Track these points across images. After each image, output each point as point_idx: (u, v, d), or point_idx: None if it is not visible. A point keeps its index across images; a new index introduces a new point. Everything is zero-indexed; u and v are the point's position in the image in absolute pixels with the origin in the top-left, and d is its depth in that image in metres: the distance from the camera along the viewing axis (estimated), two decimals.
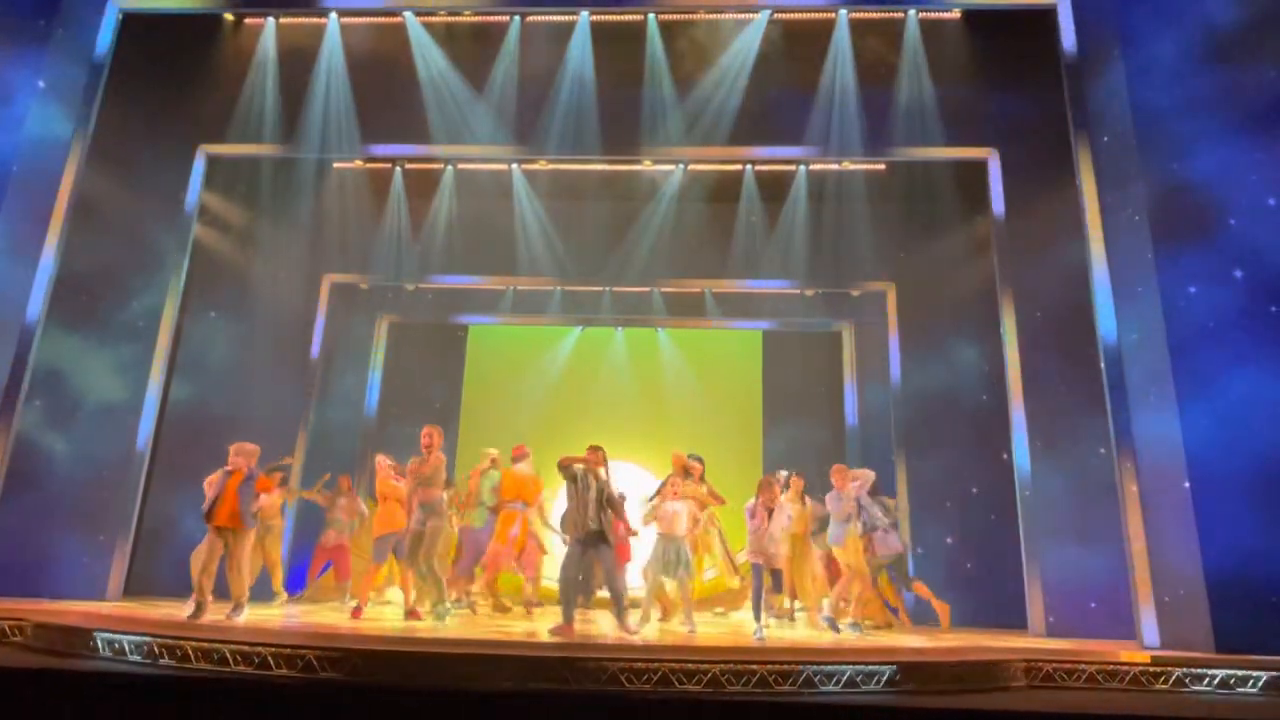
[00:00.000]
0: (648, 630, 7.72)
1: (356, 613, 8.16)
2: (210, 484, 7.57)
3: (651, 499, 8.99)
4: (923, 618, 9.46)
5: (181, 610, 7.64)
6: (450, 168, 12.25)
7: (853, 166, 11.76)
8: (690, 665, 5.29)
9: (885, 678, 5.45)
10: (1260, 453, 6.89)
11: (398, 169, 12.30)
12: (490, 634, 7.06)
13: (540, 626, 7.76)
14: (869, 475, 8.67)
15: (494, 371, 14.93)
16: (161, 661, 5.45)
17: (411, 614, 8.08)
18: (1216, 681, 5.87)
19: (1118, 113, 8.07)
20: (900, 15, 9.94)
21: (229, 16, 10.38)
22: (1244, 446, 6.93)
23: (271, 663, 5.28)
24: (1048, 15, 8.93)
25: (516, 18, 10.22)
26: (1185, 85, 7.77)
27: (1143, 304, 7.61)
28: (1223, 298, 7.27)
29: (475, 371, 15.07)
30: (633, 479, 11.16)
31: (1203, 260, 7.38)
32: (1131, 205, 7.84)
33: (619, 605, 7.32)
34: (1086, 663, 6.10)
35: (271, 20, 10.34)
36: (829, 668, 5.41)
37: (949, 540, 10.54)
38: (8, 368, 8.20)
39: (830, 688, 5.33)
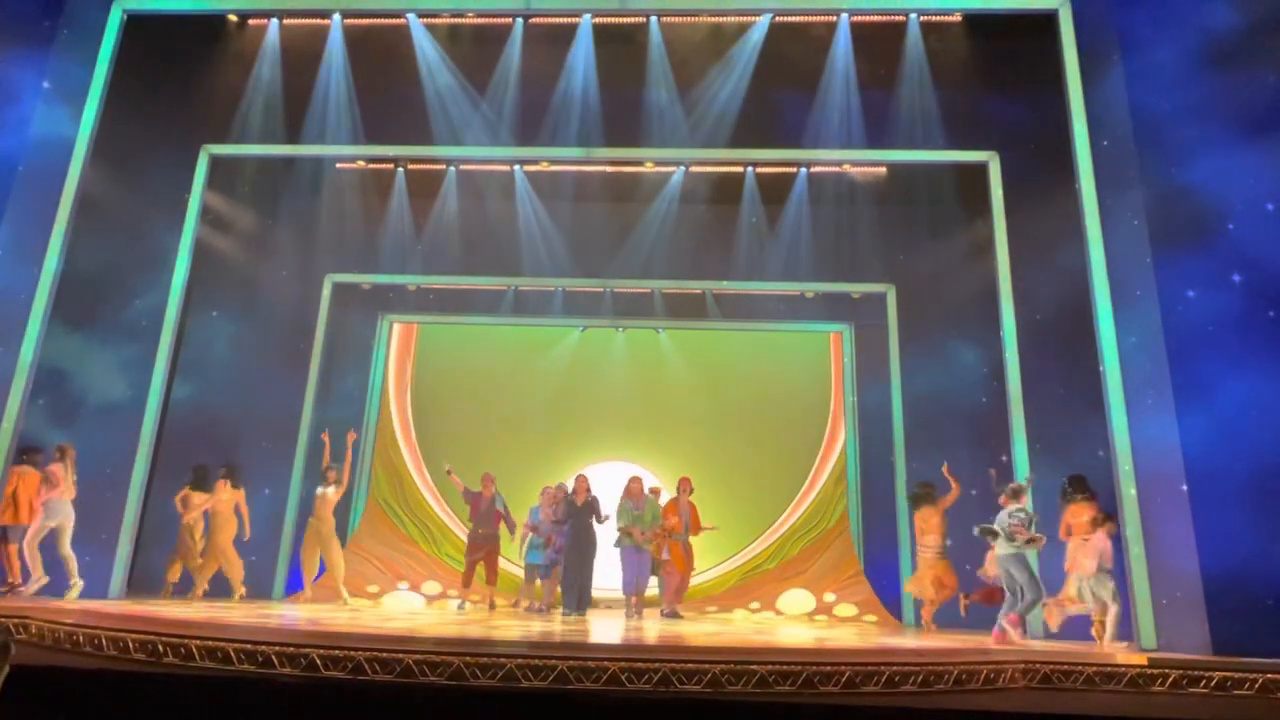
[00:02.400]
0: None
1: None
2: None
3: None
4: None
5: (185, 606, 7.68)
6: (452, 169, 12.28)
7: (853, 169, 11.79)
8: (690, 665, 5.33)
9: (884, 678, 5.48)
10: (1258, 456, 6.89)
11: (400, 169, 12.33)
12: (487, 632, 7.10)
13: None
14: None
15: (494, 370, 14.86)
16: (166, 659, 5.48)
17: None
18: (1213, 684, 5.87)
19: (1117, 117, 8.10)
20: (901, 18, 9.98)
21: (232, 17, 10.40)
22: (1242, 450, 6.93)
23: (275, 661, 5.32)
24: (1048, 19, 8.97)
25: (519, 19, 10.26)
26: (1184, 90, 7.76)
27: (1141, 308, 7.63)
28: (1221, 302, 7.27)
29: (468, 370, 14.98)
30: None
31: (1201, 264, 7.38)
32: (1130, 209, 7.86)
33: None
34: (1084, 664, 6.11)
35: (275, 21, 10.38)
36: (828, 668, 5.44)
37: (949, 541, 10.54)
38: (11, 366, 8.24)
39: (829, 688, 5.36)
